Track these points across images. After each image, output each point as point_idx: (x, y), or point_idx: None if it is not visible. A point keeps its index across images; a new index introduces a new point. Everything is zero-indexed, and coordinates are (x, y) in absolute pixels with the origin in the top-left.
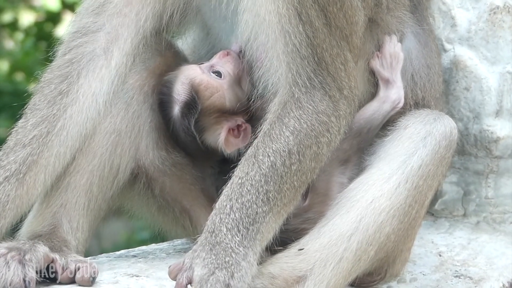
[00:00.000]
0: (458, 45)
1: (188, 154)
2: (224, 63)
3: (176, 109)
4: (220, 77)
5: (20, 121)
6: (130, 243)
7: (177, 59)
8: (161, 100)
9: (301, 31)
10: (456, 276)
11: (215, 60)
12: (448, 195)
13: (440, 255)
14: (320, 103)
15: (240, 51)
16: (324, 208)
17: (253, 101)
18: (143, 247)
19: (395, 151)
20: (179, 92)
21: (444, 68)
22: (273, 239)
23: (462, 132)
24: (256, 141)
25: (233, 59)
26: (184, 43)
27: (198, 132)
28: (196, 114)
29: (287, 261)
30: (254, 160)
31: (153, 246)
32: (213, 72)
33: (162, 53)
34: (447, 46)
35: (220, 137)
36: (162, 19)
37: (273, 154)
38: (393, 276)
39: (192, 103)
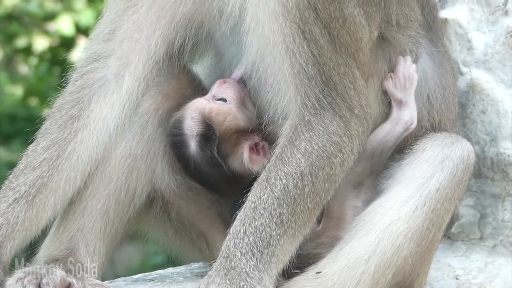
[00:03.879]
0: (474, 68)
1: (213, 190)
2: (224, 90)
3: (193, 145)
4: (226, 102)
5: (31, 145)
6: (144, 268)
7: (192, 83)
8: (174, 142)
9: (306, 49)
10: None
11: (214, 89)
12: (464, 218)
13: (457, 278)
14: (330, 123)
15: (241, 78)
16: (338, 232)
17: (264, 126)
18: (160, 271)
19: (413, 174)
20: (192, 127)
21: (461, 91)
22: (290, 262)
23: (478, 155)
24: (268, 165)
25: (231, 86)
26: (200, 69)
27: (223, 159)
28: (217, 140)
29: (304, 285)
30: (266, 184)
31: (170, 269)
32: (218, 100)
33: (177, 77)
34: (464, 69)
35: (244, 156)
36: (174, 45)
37: (285, 177)
38: None
39: (209, 132)
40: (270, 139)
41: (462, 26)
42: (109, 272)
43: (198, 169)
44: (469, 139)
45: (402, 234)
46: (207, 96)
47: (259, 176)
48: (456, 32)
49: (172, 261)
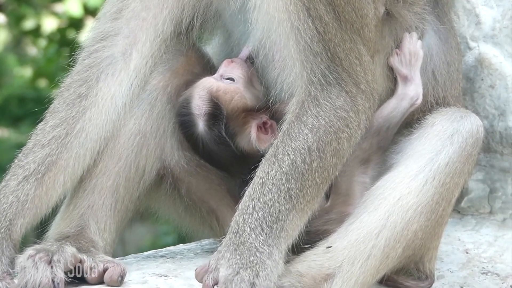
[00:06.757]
0: (482, 43)
1: (222, 168)
2: (231, 70)
3: (201, 124)
4: (233, 81)
5: (40, 124)
6: (154, 248)
7: (201, 61)
8: (182, 121)
9: (311, 26)
10: (483, 273)
11: (222, 69)
12: (474, 192)
13: (467, 252)
14: (337, 99)
15: (248, 58)
16: (346, 208)
17: (271, 103)
18: (171, 248)
19: (422, 148)
20: (199, 106)
21: (469, 66)
22: (299, 237)
23: (487, 129)
24: (276, 141)
25: (238, 65)
26: (209, 48)
27: (231, 138)
28: (224, 119)
29: (315, 259)
30: (274, 160)
31: (180, 246)
32: (225, 79)
33: (185, 54)
34: (472, 44)
35: (252, 135)
36: (182, 23)
37: (292, 152)
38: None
39: (216, 111)
40: (277, 117)
41: (470, 1)
42: (120, 252)
43: (206, 149)
44: (477, 114)
45: (412, 208)
46: (215, 75)
47: (267, 153)
48: (464, 7)
49: (182, 239)
